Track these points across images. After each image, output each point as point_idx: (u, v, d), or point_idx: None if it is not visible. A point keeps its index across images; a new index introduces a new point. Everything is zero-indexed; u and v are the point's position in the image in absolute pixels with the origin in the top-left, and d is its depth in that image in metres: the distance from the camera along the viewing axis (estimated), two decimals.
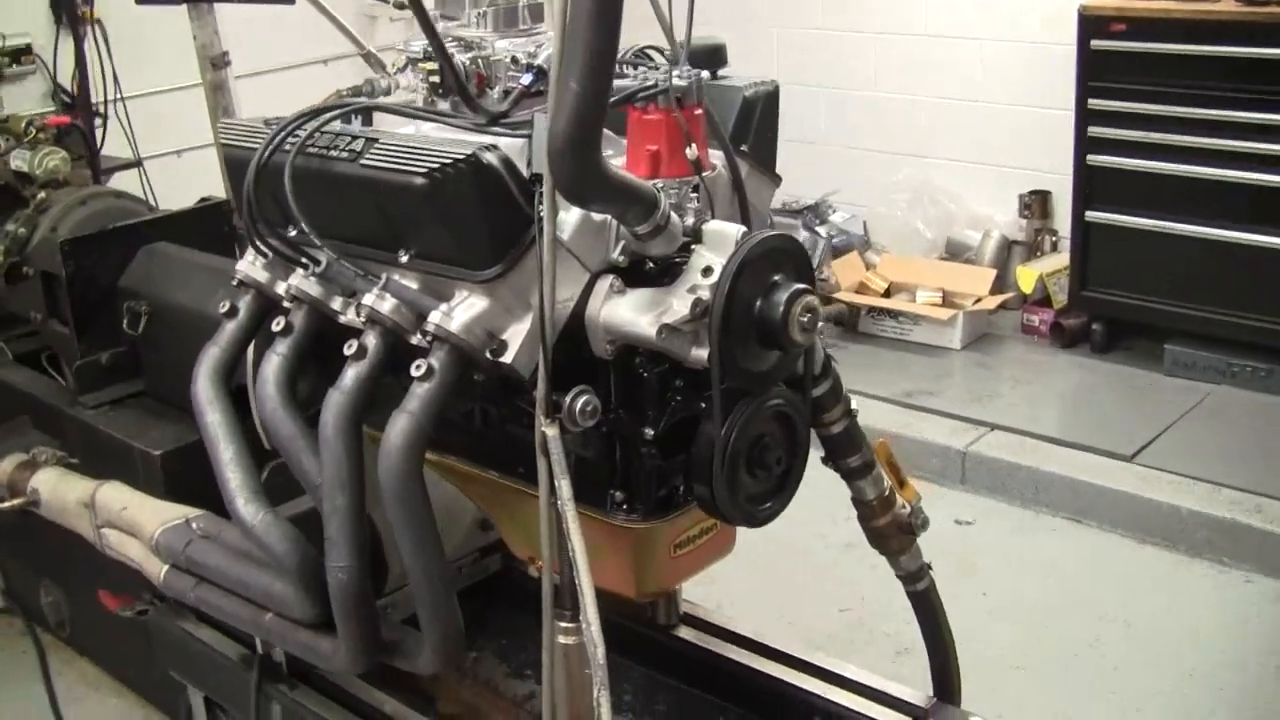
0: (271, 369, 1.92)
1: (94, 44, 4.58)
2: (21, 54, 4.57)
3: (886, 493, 2.13)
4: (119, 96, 4.60)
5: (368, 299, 1.79)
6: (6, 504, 2.79)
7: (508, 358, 1.73)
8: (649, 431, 1.77)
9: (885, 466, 2.14)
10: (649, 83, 1.73)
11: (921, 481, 2.61)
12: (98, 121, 4.53)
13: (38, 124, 3.45)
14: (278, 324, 1.94)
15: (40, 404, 3.15)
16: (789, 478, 1.83)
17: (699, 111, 1.76)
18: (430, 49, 1.90)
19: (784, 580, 3.69)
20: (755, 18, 5.73)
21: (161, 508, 2.39)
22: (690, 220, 1.73)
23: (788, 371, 1.79)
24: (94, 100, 4.56)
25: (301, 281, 1.91)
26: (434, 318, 1.74)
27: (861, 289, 5.28)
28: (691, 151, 1.73)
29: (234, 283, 2.03)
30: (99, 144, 4.23)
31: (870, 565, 2.38)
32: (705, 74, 1.78)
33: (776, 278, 1.70)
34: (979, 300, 5.07)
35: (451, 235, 1.73)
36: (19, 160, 3.34)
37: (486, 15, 2.00)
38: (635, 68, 1.88)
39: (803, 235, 5.31)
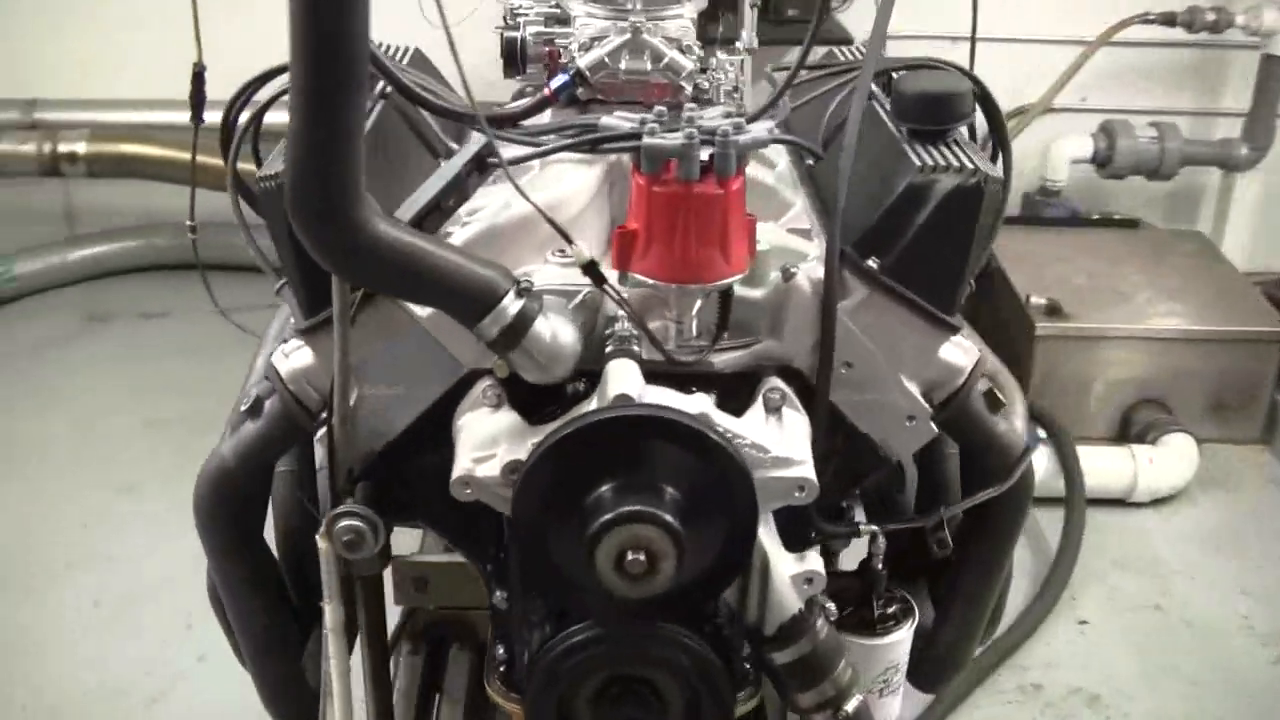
0: None
1: None
2: None
3: None
4: None
5: None
6: None
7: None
8: (497, 593, 1.44)
9: None
10: (653, 122, 1.27)
11: None
12: None
13: None
14: None
15: None
16: None
17: (734, 187, 1.27)
18: None
19: None
20: None
21: None
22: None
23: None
24: None
25: None
26: (276, 354, 1.42)
27: None
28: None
29: None
30: None
31: None
32: (764, 128, 1.31)
33: (609, 484, 1.23)
34: None
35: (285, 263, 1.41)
36: None
37: None
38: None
39: None
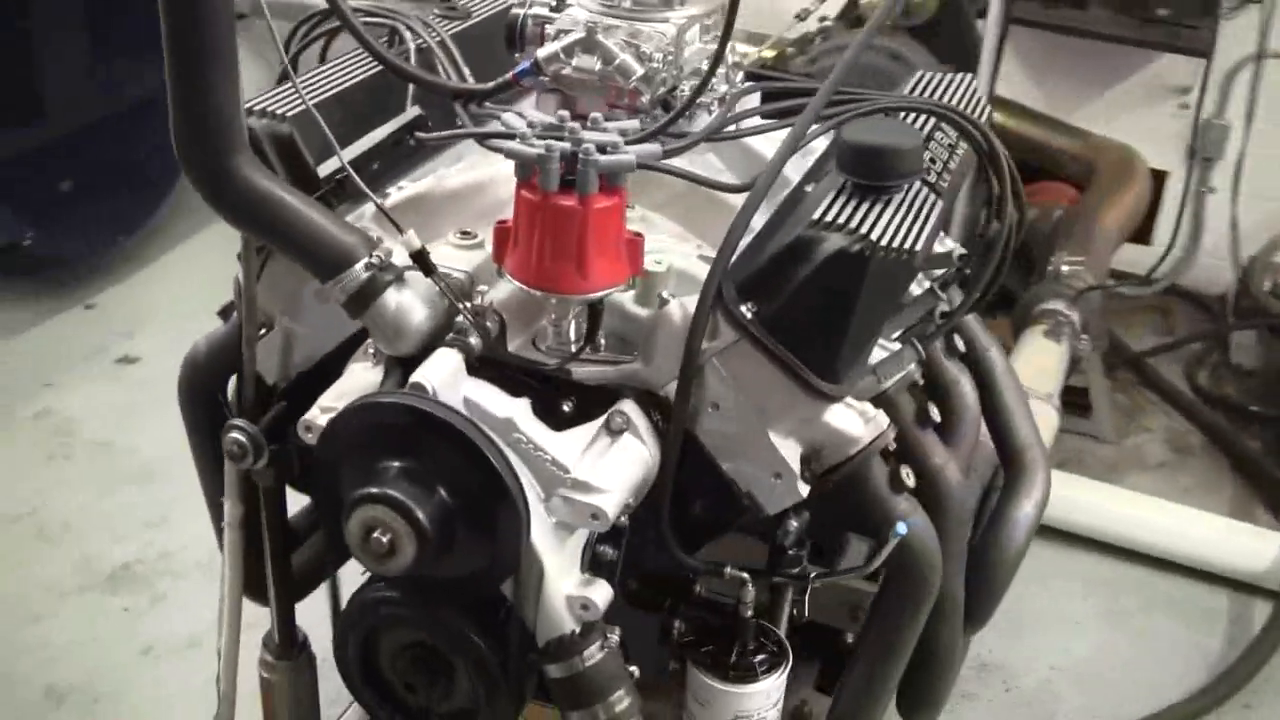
0: None
1: None
2: None
3: None
4: None
5: None
6: None
7: None
8: None
9: None
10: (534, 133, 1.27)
11: None
12: None
13: None
14: None
15: None
16: None
17: (596, 205, 1.26)
18: None
19: None
20: None
21: None
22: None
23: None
24: None
25: None
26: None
27: None
28: None
29: None
30: None
31: None
32: (651, 151, 1.30)
33: (380, 463, 1.27)
34: None
35: None
36: None
37: None
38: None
39: None
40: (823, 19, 3.27)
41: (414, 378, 1.28)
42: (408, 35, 1.60)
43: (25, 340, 3.76)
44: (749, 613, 1.49)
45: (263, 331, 1.53)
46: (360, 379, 1.41)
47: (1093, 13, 4.03)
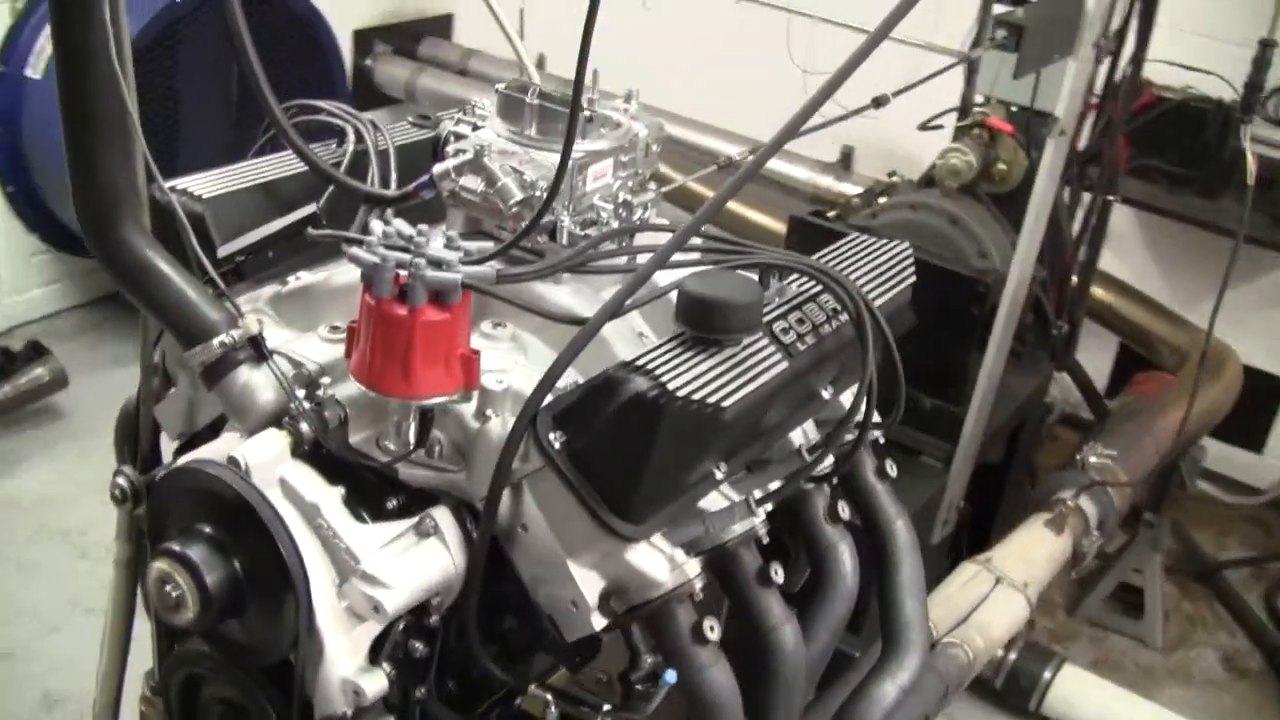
0: None
1: None
2: None
3: None
4: None
5: None
6: None
7: None
8: None
9: None
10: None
11: None
12: None
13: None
14: None
15: None
16: None
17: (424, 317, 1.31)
18: None
19: None
20: None
21: None
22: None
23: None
24: None
25: None
26: None
27: None
28: None
29: None
30: None
31: None
32: (483, 271, 1.36)
33: (198, 525, 1.37)
34: None
35: None
36: None
37: None
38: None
39: None
40: (891, 173, 3.29)
41: (233, 452, 1.36)
42: (351, 139, 1.71)
43: None
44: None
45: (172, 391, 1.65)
46: (225, 444, 1.50)
47: (1222, 205, 3.92)
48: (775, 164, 4.38)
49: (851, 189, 4.05)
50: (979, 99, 3.26)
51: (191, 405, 1.64)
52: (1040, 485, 2.91)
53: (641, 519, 1.36)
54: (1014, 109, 3.13)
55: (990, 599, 2.42)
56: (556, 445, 1.34)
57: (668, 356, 1.34)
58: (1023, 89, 3.07)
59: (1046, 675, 2.94)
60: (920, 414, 2.84)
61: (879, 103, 2.12)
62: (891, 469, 1.77)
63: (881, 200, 3.13)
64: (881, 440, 1.76)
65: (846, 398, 1.70)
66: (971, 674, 2.27)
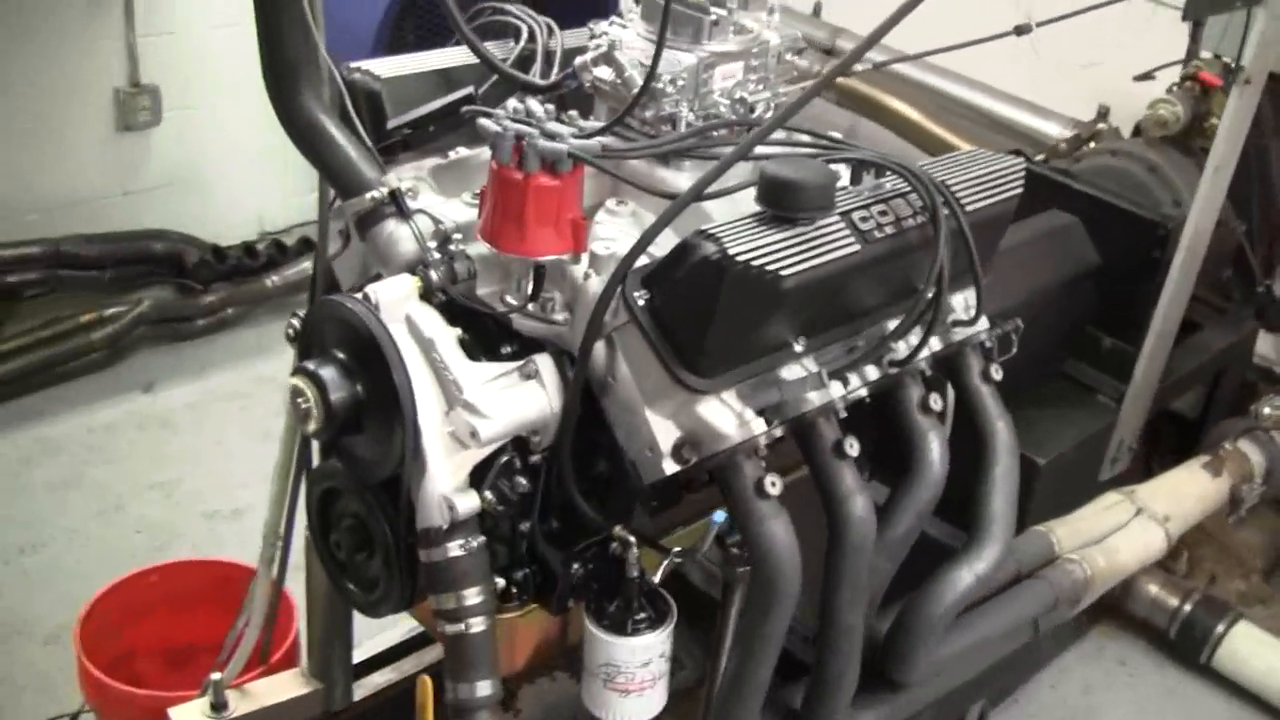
0: None
1: None
2: None
3: None
4: None
5: None
6: None
7: None
8: None
9: None
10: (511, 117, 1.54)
11: None
12: None
13: None
14: None
15: None
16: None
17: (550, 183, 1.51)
18: None
19: None
20: None
21: None
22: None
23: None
24: None
25: None
26: None
27: None
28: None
29: None
30: None
31: None
32: (590, 145, 1.54)
33: (334, 349, 1.59)
34: None
35: None
36: None
37: None
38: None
39: None
40: (1101, 113, 3.27)
41: (367, 289, 1.59)
42: (524, 37, 1.91)
43: None
44: (634, 573, 1.68)
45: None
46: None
47: None
48: (1023, 117, 4.31)
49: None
50: (1205, 55, 3.20)
51: (364, 261, 1.89)
52: (1214, 431, 2.86)
53: (710, 374, 1.52)
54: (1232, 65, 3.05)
55: (1127, 527, 2.43)
56: (640, 303, 1.51)
57: (741, 228, 1.49)
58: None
59: (1220, 629, 2.90)
60: (1099, 352, 2.85)
61: (1021, 30, 2.17)
62: (996, 372, 1.85)
63: (1091, 146, 3.13)
64: (988, 344, 1.84)
65: (958, 301, 1.80)
66: (1089, 592, 2.30)
